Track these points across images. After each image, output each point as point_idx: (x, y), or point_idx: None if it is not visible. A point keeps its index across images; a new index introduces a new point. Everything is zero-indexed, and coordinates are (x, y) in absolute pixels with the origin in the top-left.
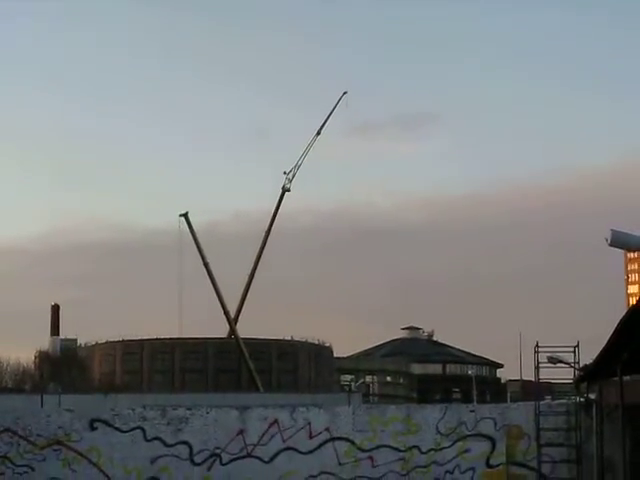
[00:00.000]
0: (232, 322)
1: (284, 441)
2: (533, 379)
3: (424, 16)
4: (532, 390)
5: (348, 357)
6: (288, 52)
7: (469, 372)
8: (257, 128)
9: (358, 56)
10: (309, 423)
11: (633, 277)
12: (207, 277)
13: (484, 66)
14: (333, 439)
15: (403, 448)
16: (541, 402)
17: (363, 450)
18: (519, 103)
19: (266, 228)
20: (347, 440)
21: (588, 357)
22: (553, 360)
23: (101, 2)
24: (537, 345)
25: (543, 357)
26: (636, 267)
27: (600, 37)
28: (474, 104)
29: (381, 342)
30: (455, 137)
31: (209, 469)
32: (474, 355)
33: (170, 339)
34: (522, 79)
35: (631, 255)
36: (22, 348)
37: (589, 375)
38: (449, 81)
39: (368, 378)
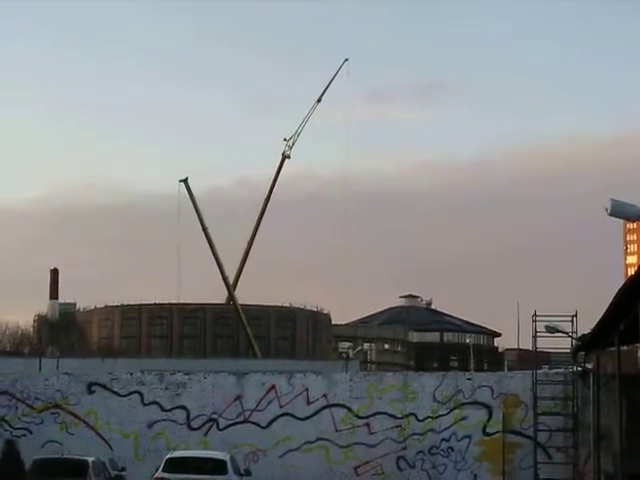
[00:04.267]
0: (231, 288)
1: (281, 407)
2: (530, 348)
3: None
4: (529, 359)
5: (346, 324)
6: (293, 17)
7: (467, 340)
8: (261, 94)
9: (365, 23)
10: (306, 389)
11: (632, 248)
12: (206, 243)
13: (494, 34)
14: (330, 406)
15: (400, 415)
16: (538, 371)
17: (360, 417)
18: (529, 72)
19: (265, 195)
20: (344, 407)
21: (586, 327)
22: (551, 329)
23: None
24: (535, 314)
25: (541, 326)
26: (635, 238)
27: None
28: (484, 72)
29: (379, 310)
30: (464, 105)
31: (206, 434)
32: (472, 324)
33: (168, 304)
34: (534, 47)
35: (630, 226)
36: (21, 312)
37: (586, 345)
38: (458, 49)
39: (366, 345)
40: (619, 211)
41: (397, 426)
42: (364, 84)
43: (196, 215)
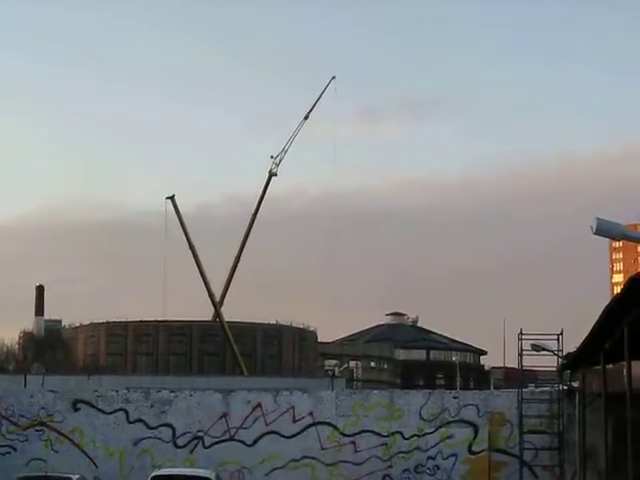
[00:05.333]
0: (217, 305)
1: (267, 425)
2: (516, 366)
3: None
4: (515, 377)
5: (332, 342)
6: (281, 34)
7: (453, 358)
8: (250, 111)
9: (354, 41)
10: (292, 407)
11: (618, 266)
12: (193, 260)
13: (488, 51)
14: (316, 423)
15: (386, 433)
16: (524, 389)
17: (346, 435)
18: (521, 89)
19: (252, 212)
20: (330, 425)
21: (572, 345)
22: (537, 348)
23: None
24: (521, 332)
25: (527, 344)
26: (621, 256)
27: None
28: (472, 91)
29: (366, 327)
30: (451, 123)
31: (192, 452)
32: (458, 342)
33: (154, 321)
34: (525, 64)
35: (616, 244)
36: (6, 328)
37: (572, 363)
38: (447, 67)
39: (352, 363)
40: (604, 230)
41: (383, 444)
42: (353, 101)
43: (183, 232)
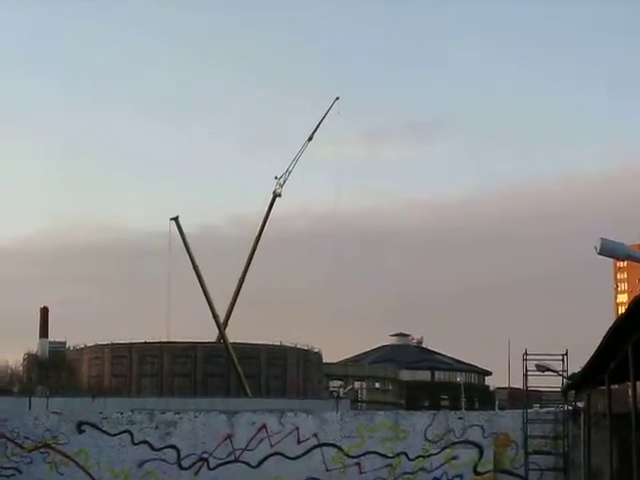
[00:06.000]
0: (221, 326)
1: (272, 446)
2: (521, 387)
3: (428, 20)
4: (520, 398)
5: (337, 363)
6: (285, 55)
7: (458, 379)
8: (255, 131)
9: (359, 62)
10: (297, 428)
11: (622, 286)
12: (197, 281)
13: (485, 74)
14: (321, 445)
15: (391, 454)
16: (529, 410)
17: (351, 456)
18: (523, 109)
19: (256, 233)
20: (335, 446)
21: (576, 365)
22: (541, 368)
23: None
24: (526, 353)
25: (531, 365)
26: (625, 276)
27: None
28: (475, 112)
29: (370, 348)
30: (455, 143)
31: (196, 473)
32: (463, 362)
33: (159, 343)
34: (528, 84)
35: (620, 264)
36: (10, 350)
37: (577, 383)
38: (450, 88)
39: (357, 384)
40: (608, 250)
41: (388, 465)
42: (357, 122)
43: (187, 253)
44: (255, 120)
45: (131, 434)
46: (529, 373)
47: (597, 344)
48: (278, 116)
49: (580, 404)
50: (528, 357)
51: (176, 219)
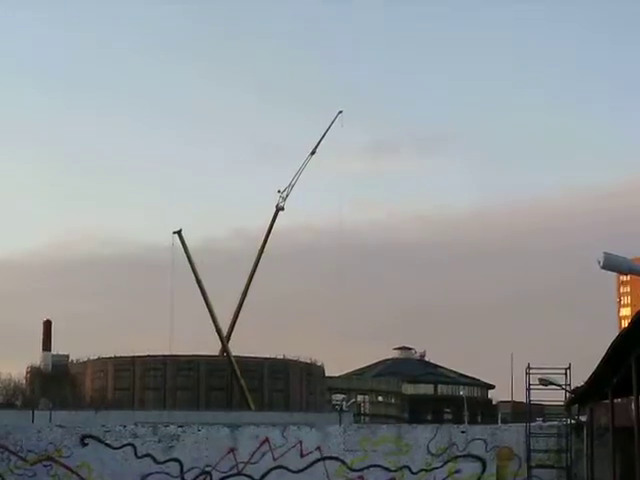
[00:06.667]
0: (224, 340)
1: (275, 459)
2: (524, 400)
3: (433, 33)
4: (523, 411)
5: (340, 376)
6: (289, 68)
7: (460, 393)
8: (258, 145)
9: (364, 75)
10: (300, 442)
11: (625, 300)
12: (200, 294)
13: (493, 87)
14: (324, 458)
15: (394, 468)
16: (532, 424)
17: (354, 470)
18: (529, 123)
19: (259, 247)
20: (338, 459)
21: (579, 379)
22: (544, 382)
23: (103, 5)
24: (528, 367)
25: (534, 379)
26: (628, 290)
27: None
28: (482, 124)
29: (373, 362)
30: (461, 156)
31: None
32: (466, 376)
33: (162, 356)
34: (532, 98)
35: (623, 278)
36: (13, 363)
37: (580, 397)
38: (457, 101)
39: (359, 398)
40: (611, 264)
41: (391, 479)
42: (362, 135)
43: (190, 267)
44: (258, 134)
45: (134, 447)
46: (532, 387)
47: (600, 358)
48: (282, 130)
49: (583, 418)
50: (531, 371)
51: (179, 232)
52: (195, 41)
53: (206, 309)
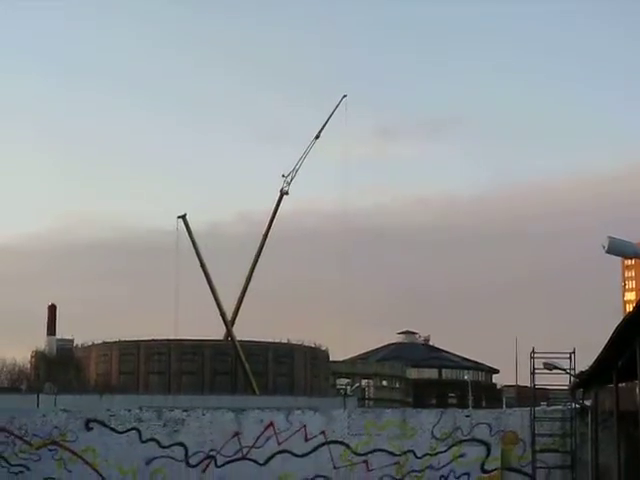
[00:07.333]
0: (228, 324)
1: (279, 444)
2: (529, 385)
3: (439, 16)
4: (528, 396)
5: (344, 361)
6: (294, 52)
7: (465, 377)
8: (263, 129)
9: (368, 59)
10: (304, 426)
11: (630, 284)
12: (204, 278)
13: (495, 71)
14: (328, 442)
15: (398, 452)
16: (536, 408)
17: (358, 454)
18: (529, 108)
19: (264, 231)
20: (342, 444)
21: (584, 364)
22: (549, 366)
23: None
24: (533, 351)
25: (539, 363)
26: (633, 274)
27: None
28: (484, 109)
29: (377, 346)
30: (464, 141)
31: (204, 471)
32: (470, 360)
33: (166, 340)
34: (534, 83)
35: (628, 262)
36: (18, 347)
37: (585, 382)
38: (459, 86)
39: (364, 382)
40: (616, 248)
41: (395, 463)
42: (368, 119)
43: (194, 251)
44: (263, 118)
45: (139, 432)
46: (537, 371)
47: (605, 342)
48: (286, 114)
49: (588, 402)
50: (535, 355)
51: (184, 217)
52: (197, 26)
53: (210, 293)
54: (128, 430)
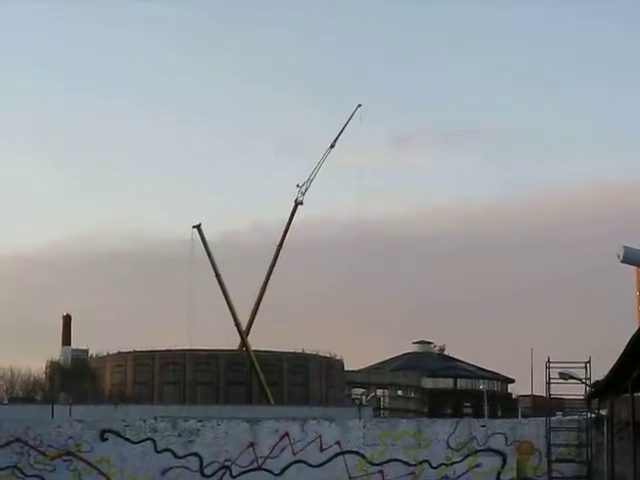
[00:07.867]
0: (243, 334)
1: (295, 454)
2: (544, 395)
3: (455, 25)
4: (543, 406)
5: (359, 371)
6: (309, 62)
7: (480, 387)
8: (278, 138)
9: (384, 68)
10: (320, 436)
11: None
12: (219, 288)
13: (512, 81)
14: (343, 452)
15: (414, 462)
16: (552, 418)
17: (373, 464)
18: (545, 117)
19: (278, 241)
20: (357, 454)
21: (599, 373)
22: (564, 376)
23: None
24: (549, 361)
25: (554, 373)
26: None
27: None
28: (500, 118)
29: (392, 356)
30: (480, 150)
31: None
32: (485, 370)
33: (181, 350)
34: (550, 92)
35: None
36: (33, 358)
37: (600, 391)
38: (476, 95)
39: (379, 392)
40: (631, 258)
41: (411, 473)
42: (383, 129)
43: (209, 261)
44: (278, 128)
45: (154, 442)
46: (552, 381)
47: (620, 351)
48: (301, 124)
49: (603, 412)
50: (551, 365)
51: (198, 227)
52: (213, 32)
53: (225, 303)
54: (143, 440)
